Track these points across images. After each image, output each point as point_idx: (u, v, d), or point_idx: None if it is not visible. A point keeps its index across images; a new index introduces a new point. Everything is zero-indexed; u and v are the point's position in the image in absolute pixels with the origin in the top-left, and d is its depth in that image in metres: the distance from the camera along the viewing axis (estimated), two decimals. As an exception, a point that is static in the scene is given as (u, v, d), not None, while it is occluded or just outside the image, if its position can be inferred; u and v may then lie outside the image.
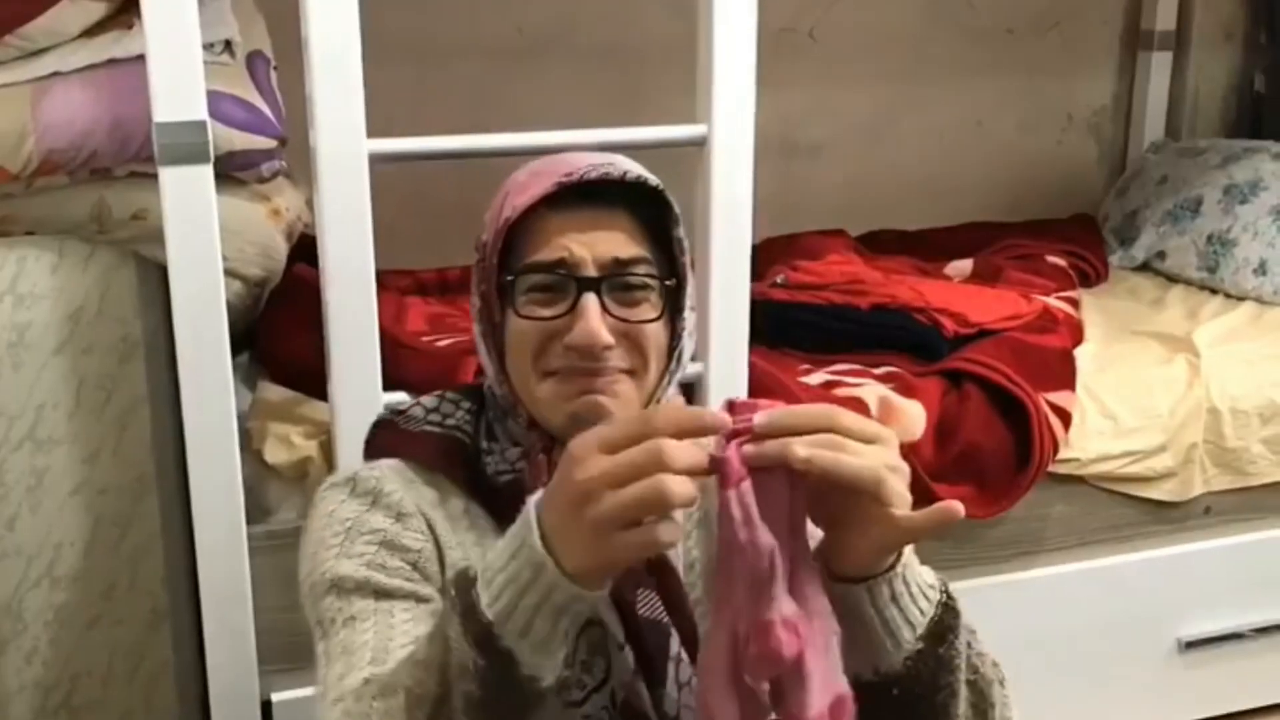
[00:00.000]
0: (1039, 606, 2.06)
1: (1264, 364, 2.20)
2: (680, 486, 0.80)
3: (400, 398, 1.53)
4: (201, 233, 1.53)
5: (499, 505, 1.08)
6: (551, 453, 1.07)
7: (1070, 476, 2.03)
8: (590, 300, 1.04)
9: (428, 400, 1.17)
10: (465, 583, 0.88)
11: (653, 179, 1.08)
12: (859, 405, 1.91)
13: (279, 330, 1.98)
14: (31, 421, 1.73)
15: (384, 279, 1.64)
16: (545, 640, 0.86)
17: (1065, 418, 2.00)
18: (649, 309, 1.07)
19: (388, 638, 0.99)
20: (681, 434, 0.83)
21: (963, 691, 0.97)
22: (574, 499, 0.82)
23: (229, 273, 1.68)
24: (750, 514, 0.84)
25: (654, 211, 1.09)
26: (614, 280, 1.06)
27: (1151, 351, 2.25)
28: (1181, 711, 2.21)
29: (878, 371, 2.04)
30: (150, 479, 1.79)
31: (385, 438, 1.17)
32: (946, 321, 2.19)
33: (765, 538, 0.84)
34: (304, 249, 1.91)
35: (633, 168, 1.08)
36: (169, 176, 1.51)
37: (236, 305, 1.78)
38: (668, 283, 1.08)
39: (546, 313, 1.05)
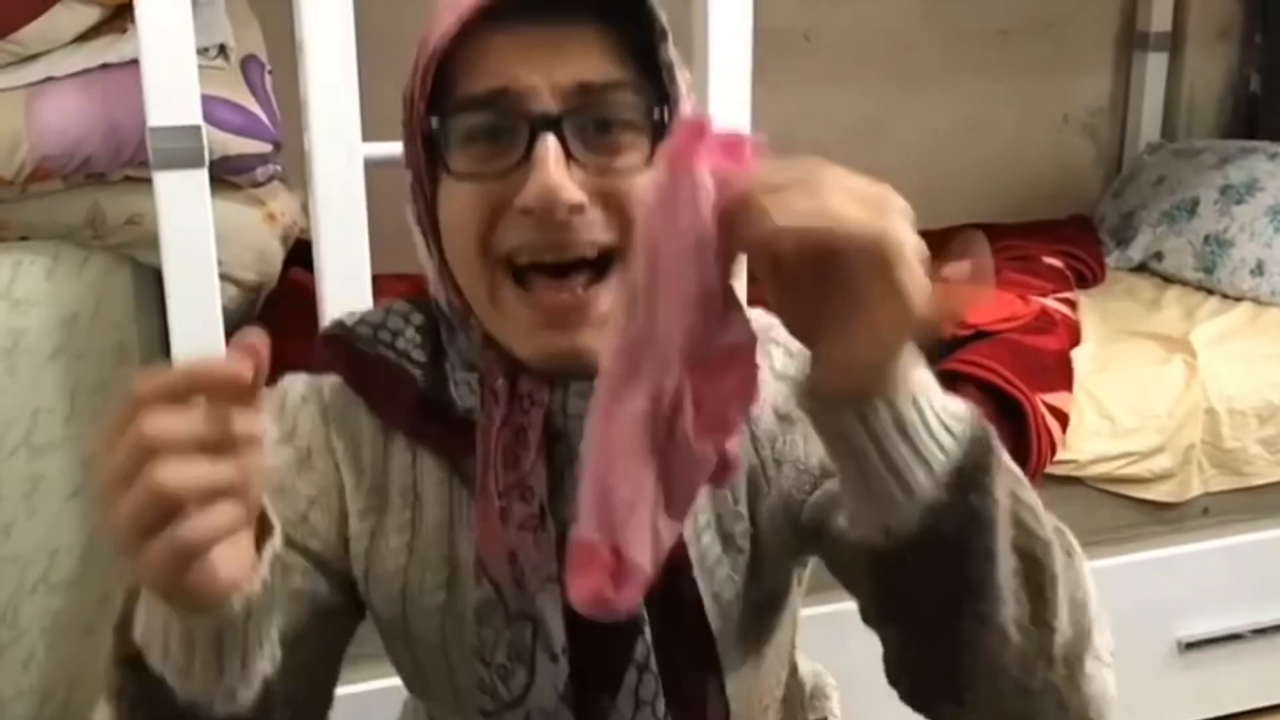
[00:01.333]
0: (1037, 608, 2.06)
1: (1261, 364, 2.20)
2: (178, 473, 0.60)
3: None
4: (196, 237, 1.53)
5: (452, 440, 0.86)
6: (517, 381, 0.82)
7: (1068, 478, 2.03)
8: (549, 142, 0.76)
9: (373, 315, 0.92)
10: (133, 593, 0.72)
11: None
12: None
13: (274, 335, 1.97)
14: (27, 427, 1.73)
15: (380, 283, 1.64)
16: (184, 667, 0.69)
17: (1062, 419, 1.99)
18: (635, 155, 0.78)
19: None
20: (178, 398, 0.62)
21: (1004, 553, 0.69)
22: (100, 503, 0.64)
23: (224, 278, 1.68)
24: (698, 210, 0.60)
25: (635, 27, 0.80)
26: (582, 117, 0.77)
27: (1149, 352, 2.25)
28: (1181, 712, 2.21)
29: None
30: (146, 485, 1.79)
31: (334, 354, 0.93)
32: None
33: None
34: (300, 254, 1.90)
35: None
36: (163, 181, 1.50)
37: (232, 310, 1.77)
38: (657, 115, 0.79)
39: (490, 167, 0.78)
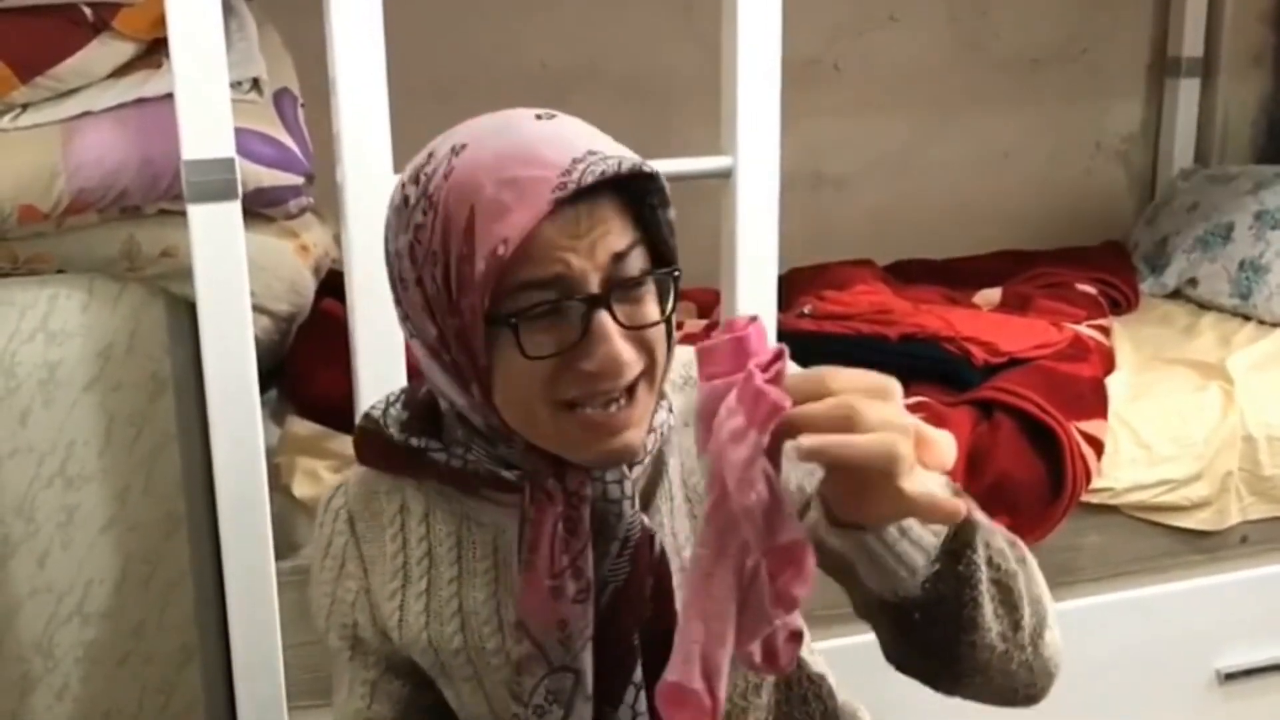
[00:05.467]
0: (1074, 638, 2.01)
1: (1299, 391, 2.18)
2: None
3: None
4: (230, 269, 1.54)
5: (476, 485, 1.02)
6: (565, 478, 0.97)
7: (1104, 506, 2.01)
8: (603, 319, 0.90)
9: (395, 414, 1.07)
10: None
11: (647, 164, 0.93)
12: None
13: (307, 365, 1.98)
14: (62, 458, 1.74)
15: (411, 313, 1.64)
16: None
17: (1098, 447, 1.98)
18: (651, 304, 0.94)
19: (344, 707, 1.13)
20: None
21: (987, 595, 0.91)
22: None
23: (257, 309, 1.69)
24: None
25: (633, 191, 0.95)
26: (616, 283, 0.92)
27: (1184, 379, 2.23)
28: (1221, 744, 2.18)
29: (907, 402, 2.02)
30: (180, 515, 1.80)
31: (369, 447, 1.09)
32: (976, 351, 2.17)
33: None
34: (332, 284, 1.91)
35: (622, 154, 0.93)
36: (197, 214, 1.51)
37: (265, 341, 1.78)
38: (675, 272, 0.95)
39: (556, 346, 0.91)
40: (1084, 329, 2.37)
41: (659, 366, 0.96)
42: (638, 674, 0.99)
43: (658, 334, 0.95)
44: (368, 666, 1.12)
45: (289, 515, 1.78)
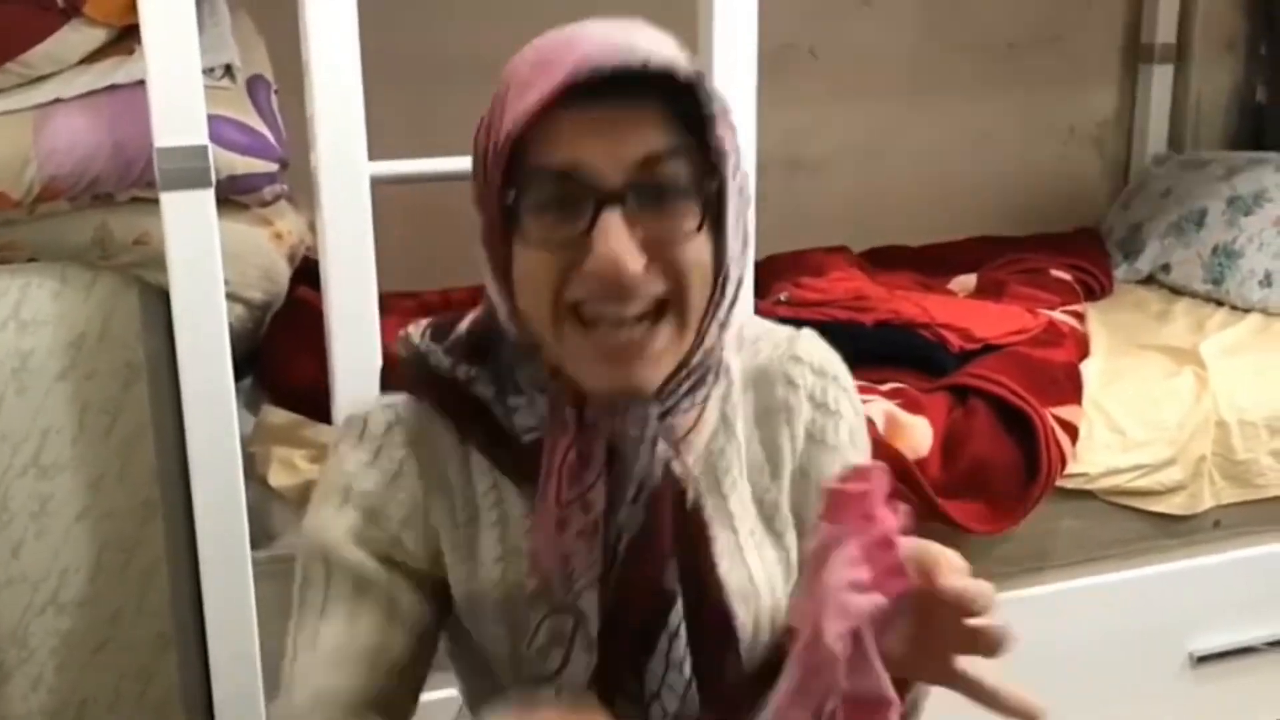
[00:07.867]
0: (1048, 622, 2.05)
1: (1272, 375, 2.19)
2: None
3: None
4: (203, 257, 1.53)
5: (521, 463, 0.96)
6: (583, 410, 0.91)
7: (1078, 491, 2.02)
8: (612, 218, 0.84)
9: (434, 347, 1.01)
10: None
11: (684, 67, 0.86)
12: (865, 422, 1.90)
13: (282, 353, 1.98)
14: (36, 447, 1.73)
15: (387, 301, 1.64)
16: None
17: (1072, 432, 1.99)
18: (688, 219, 0.87)
19: (347, 643, 0.96)
20: None
21: None
22: None
23: (231, 296, 1.68)
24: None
25: (692, 105, 0.87)
26: (643, 187, 0.85)
27: (1158, 364, 2.25)
28: (1194, 726, 2.20)
29: (883, 388, 2.04)
30: (155, 504, 1.79)
31: (415, 375, 1.02)
32: (951, 337, 2.18)
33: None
34: (307, 272, 1.91)
35: (658, 52, 0.85)
36: (170, 201, 1.51)
37: (239, 329, 1.78)
38: (710, 183, 0.88)
39: (559, 235, 0.86)
40: (1058, 315, 2.38)
41: (690, 303, 0.89)
42: (673, 621, 0.94)
43: (694, 260, 0.88)
44: (395, 600, 0.99)
45: (265, 504, 1.77)
